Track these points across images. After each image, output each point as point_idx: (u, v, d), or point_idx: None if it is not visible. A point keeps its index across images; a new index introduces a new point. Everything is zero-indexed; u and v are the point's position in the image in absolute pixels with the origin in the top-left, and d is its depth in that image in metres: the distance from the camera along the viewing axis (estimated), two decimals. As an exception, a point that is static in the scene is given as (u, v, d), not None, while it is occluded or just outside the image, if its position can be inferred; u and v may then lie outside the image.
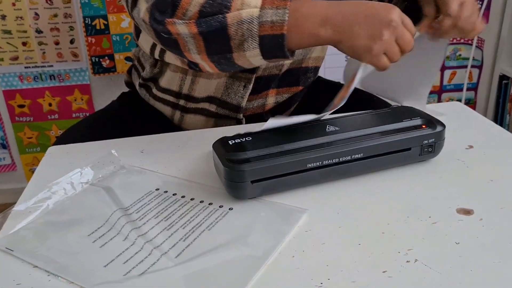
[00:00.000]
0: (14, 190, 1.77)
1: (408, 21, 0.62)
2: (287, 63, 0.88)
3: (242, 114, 0.88)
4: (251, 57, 0.64)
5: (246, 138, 0.60)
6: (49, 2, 1.54)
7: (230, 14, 0.62)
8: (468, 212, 0.55)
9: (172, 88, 0.87)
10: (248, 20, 0.61)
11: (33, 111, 1.68)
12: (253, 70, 0.84)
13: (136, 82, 0.95)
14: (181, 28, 0.64)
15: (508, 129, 1.78)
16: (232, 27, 0.61)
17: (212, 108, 0.87)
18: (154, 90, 0.90)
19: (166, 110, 0.91)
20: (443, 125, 0.64)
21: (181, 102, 0.88)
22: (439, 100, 1.84)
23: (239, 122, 0.89)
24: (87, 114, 1.71)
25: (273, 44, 0.62)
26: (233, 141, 0.60)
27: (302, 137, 0.60)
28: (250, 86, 0.85)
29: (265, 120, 0.60)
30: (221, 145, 0.60)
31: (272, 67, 0.87)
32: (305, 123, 0.64)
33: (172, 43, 0.66)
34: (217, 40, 0.63)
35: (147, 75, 0.90)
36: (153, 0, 0.66)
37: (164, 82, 0.88)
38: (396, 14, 0.60)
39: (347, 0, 0.63)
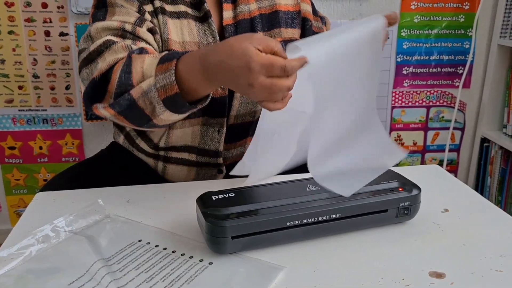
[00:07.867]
0: (-2, 231, 1.75)
1: (268, 43, 0.56)
2: (259, 109, 0.90)
3: (222, 159, 0.90)
4: (168, 117, 0.69)
5: (229, 194, 0.62)
6: (48, 49, 1.59)
7: (134, 89, 0.67)
8: (440, 275, 0.56)
9: (153, 139, 0.90)
10: (149, 90, 0.66)
11: (23, 153, 1.69)
12: (223, 113, 0.87)
13: (119, 137, 0.98)
14: (103, 112, 0.71)
15: (489, 191, 1.82)
16: (139, 100, 0.67)
17: (192, 157, 0.90)
18: (138, 141, 0.93)
19: (149, 161, 0.93)
20: (419, 189, 0.67)
21: (161, 153, 0.91)
22: (422, 160, 1.88)
23: (220, 169, 0.91)
24: (77, 159, 1.72)
25: (175, 103, 0.66)
26: (216, 197, 0.62)
27: (283, 196, 0.62)
28: (224, 130, 0.88)
29: None
30: (204, 200, 0.62)
31: (245, 115, 0.90)
32: (287, 181, 0.67)
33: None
34: (134, 114, 0.69)
35: (129, 131, 0.94)
36: (85, 87, 0.73)
37: (144, 135, 0.91)
38: (250, 56, 0.55)
39: (214, 46, 0.64)
